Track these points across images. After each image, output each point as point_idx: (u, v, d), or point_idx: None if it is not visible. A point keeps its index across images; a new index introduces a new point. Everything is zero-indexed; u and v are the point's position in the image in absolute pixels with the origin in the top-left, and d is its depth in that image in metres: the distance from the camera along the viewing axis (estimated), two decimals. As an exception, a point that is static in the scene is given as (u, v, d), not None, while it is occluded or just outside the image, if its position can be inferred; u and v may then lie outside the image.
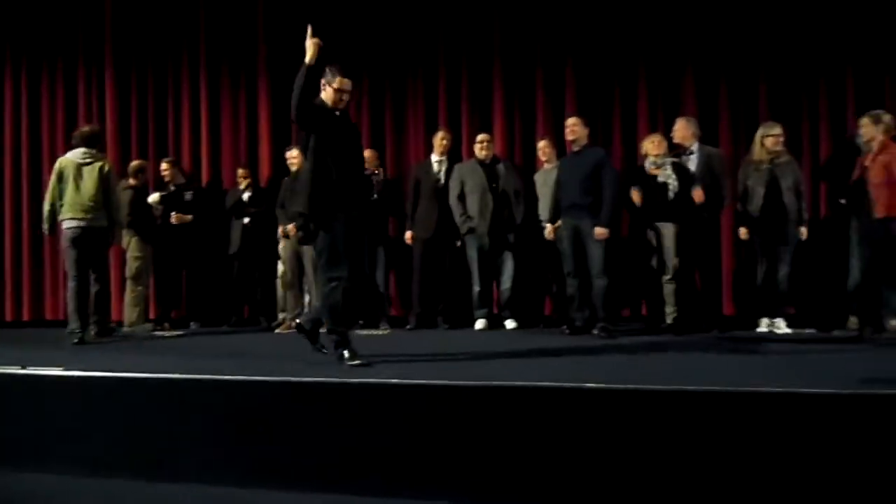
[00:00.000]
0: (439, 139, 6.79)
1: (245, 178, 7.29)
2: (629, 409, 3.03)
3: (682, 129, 6.06)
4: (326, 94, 4.24)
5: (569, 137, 5.90)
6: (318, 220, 4.17)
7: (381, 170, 6.66)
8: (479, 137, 6.68)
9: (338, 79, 4.22)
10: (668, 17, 7.06)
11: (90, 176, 5.90)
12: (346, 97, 4.27)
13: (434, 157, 6.82)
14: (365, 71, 7.61)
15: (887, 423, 2.76)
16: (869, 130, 5.36)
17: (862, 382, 3.15)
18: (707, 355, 4.49)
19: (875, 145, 5.30)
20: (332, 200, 4.13)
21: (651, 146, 6.08)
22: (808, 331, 5.78)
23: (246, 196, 7.23)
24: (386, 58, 7.57)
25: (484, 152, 6.59)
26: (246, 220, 7.17)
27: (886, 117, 5.34)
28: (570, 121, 5.93)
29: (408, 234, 6.71)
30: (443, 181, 6.71)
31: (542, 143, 6.61)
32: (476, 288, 6.60)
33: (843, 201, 5.83)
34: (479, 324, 6.53)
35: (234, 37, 7.93)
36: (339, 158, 4.18)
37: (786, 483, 2.80)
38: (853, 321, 5.83)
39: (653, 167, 5.99)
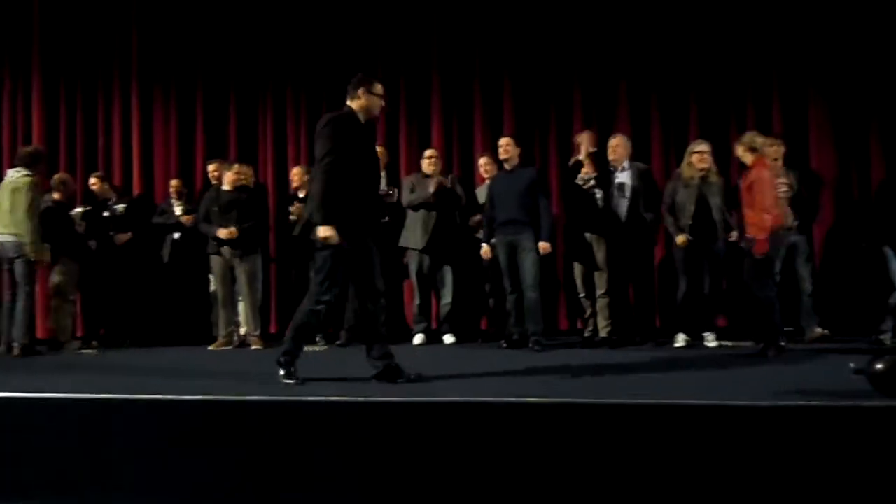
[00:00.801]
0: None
1: (179, 190, 7.12)
2: (566, 423, 3.06)
3: (622, 147, 6.18)
4: (365, 102, 4.10)
5: (502, 156, 5.97)
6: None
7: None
8: (428, 153, 6.66)
9: (378, 85, 4.13)
10: (602, 37, 7.22)
11: (15, 194, 5.99)
12: (383, 102, 4.22)
13: None
14: (302, 87, 7.58)
15: (818, 432, 2.87)
16: (737, 151, 5.44)
17: (790, 394, 3.27)
18: (639, 368, 4.56)
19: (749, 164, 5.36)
20: (347, 221, 3.94)
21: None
22: (745, 343, 5.91)
23: (178, 211, 7.06)
24: (321, 73, 7.53)
25: (432, 168, 6.58)
26: (176, 234, 6.99)
27: (758, 139, 5.39)
28: (503, 140, 6.01)
29: None
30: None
31: (483, 160, 6.63)
32: (416, 301, 6.60)
33: None
34: (418, 338, 6.52)
35: (167, 48, 7.78)
36: (358, 176, 4.01)
37: (716, 492, 2.87)
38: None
39: (581, 182, 6.12)
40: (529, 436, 3.05)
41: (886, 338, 5.64)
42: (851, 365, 3.28)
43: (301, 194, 6.72)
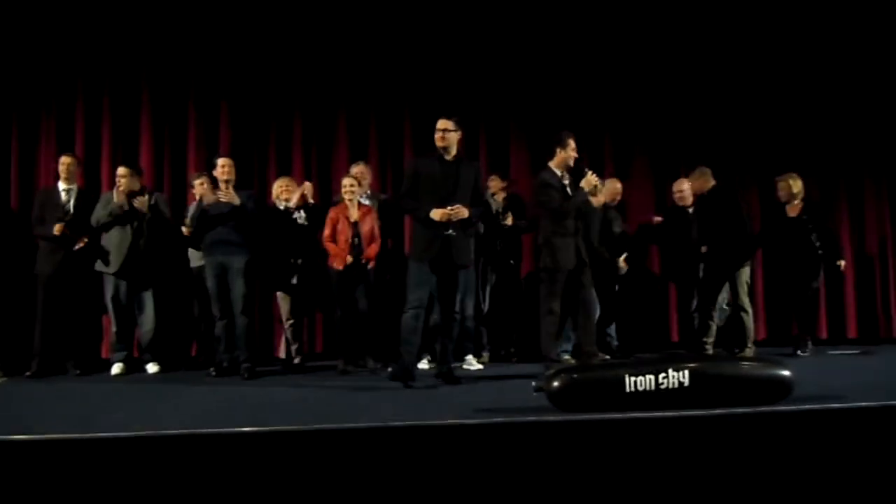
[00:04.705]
0: (64, 165, 6.15)
1: None
2: (279, 451, 3.00)
3: (367, 175, 6.30)
4: (564, 156, 5.29)
5: (223, 177, 5.74)
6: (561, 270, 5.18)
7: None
8: (119, 171, 6.16)
9: (570, 141, 5.30)
10: (321, 61, 7.32)
11: None
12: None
13: (62, 186, 6.16)
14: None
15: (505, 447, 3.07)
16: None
17: (481, 412, 3.51)
18: (359, 393, 4.62)
19: None
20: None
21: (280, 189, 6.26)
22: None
23: None
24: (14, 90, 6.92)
25: (121, 187, 6.12)
26: None
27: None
28: (223, 161, 5.77)
29: None
30: (72, 211, 6.09)
31: (200, 180, 6.30)
32: (112, 329, 6.11)
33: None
34: (116, 368, 6.02)
35: None
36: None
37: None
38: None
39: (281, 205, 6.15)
40: (241, 467, 2.93)
41: (561, 356, 6.22)
42: (533, 384, 3.56)
43: None
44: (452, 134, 4.97)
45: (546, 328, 5.25)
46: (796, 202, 6.45)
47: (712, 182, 6.23)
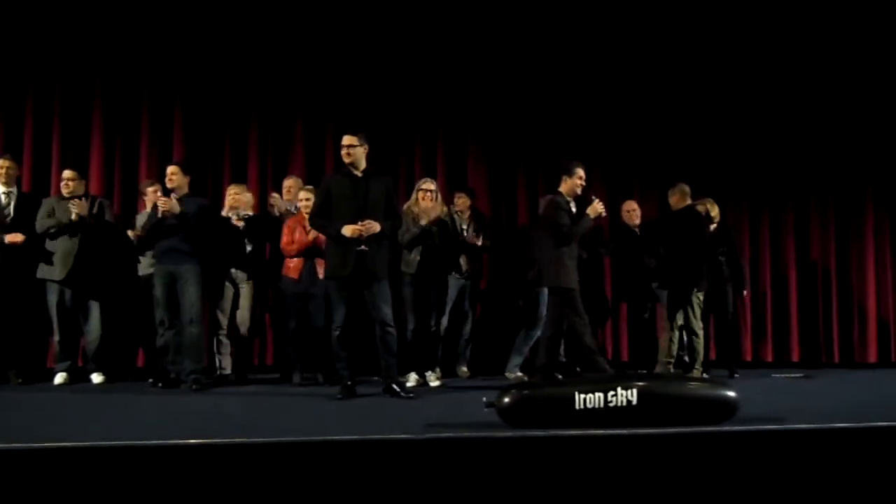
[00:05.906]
0: (3, 168, 5.99)
1: None
2: (219, 466, 2.94)
3: (296, 188, 6.27)
4: (572, 184, 5.47)
5: (169, 185, 5.65)
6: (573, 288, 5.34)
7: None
8: (65, 174, 6.05)
9: (578, 170, 5.46)
10: (280, 68, 7.27)
11: None
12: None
13: (0, 189, 6.01)
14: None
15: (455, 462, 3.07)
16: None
17: (432, 427, 3.49)
18: (306, 406, 4.59)
19: None
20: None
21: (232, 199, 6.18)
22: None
23: None
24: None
25: (67, 190, 5.99)
26: None
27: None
28: (171, 169, 5.68)
29: None
30: (12, 215, 5.95)
31: (152, 188, 6.22)
32: (56, 338, 5.96)
33: None
34: (59, 377, 5.88)
35: None
36: None
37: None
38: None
39: (236, 218, 6.09)
40: (185, 480, 2.88)
41: (513, 373, 6.26)
42: (484, 399, 3.57)
43: None
44: (358, 149, 5.03)
45: (585, 342, 5.37)
46: (712, 226, 6.61)
47: (688, 201, 6.36)
